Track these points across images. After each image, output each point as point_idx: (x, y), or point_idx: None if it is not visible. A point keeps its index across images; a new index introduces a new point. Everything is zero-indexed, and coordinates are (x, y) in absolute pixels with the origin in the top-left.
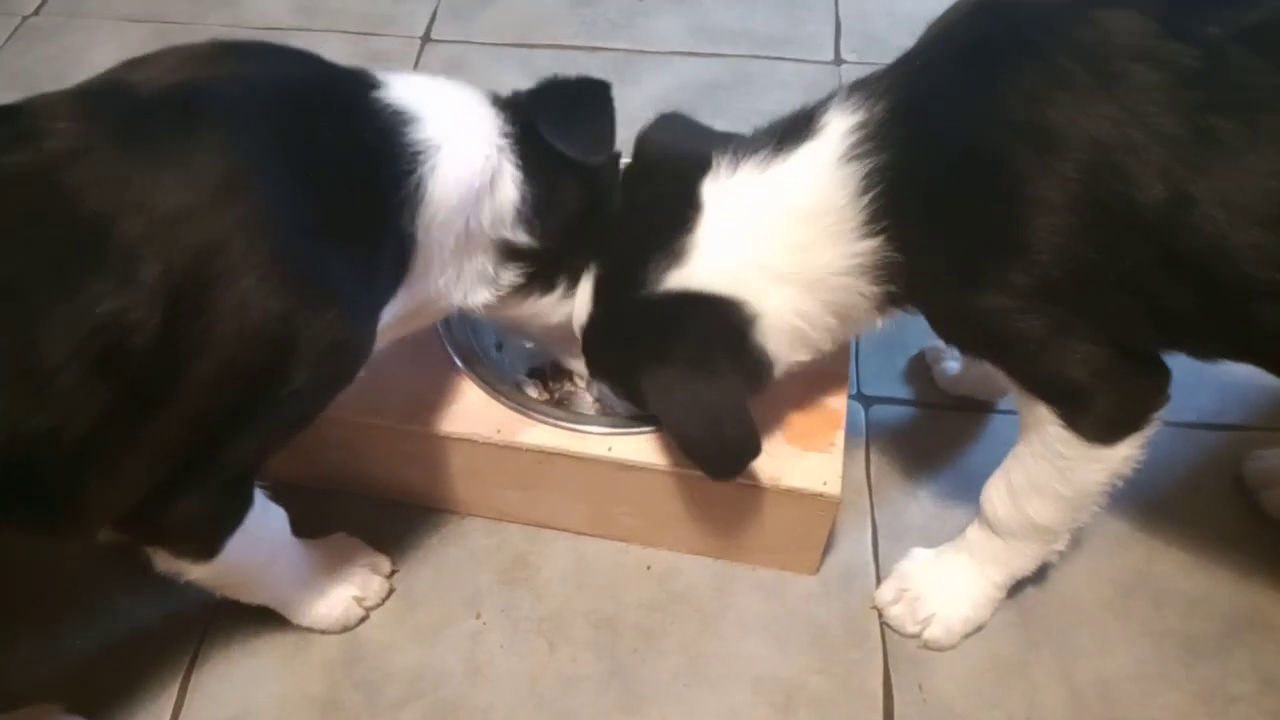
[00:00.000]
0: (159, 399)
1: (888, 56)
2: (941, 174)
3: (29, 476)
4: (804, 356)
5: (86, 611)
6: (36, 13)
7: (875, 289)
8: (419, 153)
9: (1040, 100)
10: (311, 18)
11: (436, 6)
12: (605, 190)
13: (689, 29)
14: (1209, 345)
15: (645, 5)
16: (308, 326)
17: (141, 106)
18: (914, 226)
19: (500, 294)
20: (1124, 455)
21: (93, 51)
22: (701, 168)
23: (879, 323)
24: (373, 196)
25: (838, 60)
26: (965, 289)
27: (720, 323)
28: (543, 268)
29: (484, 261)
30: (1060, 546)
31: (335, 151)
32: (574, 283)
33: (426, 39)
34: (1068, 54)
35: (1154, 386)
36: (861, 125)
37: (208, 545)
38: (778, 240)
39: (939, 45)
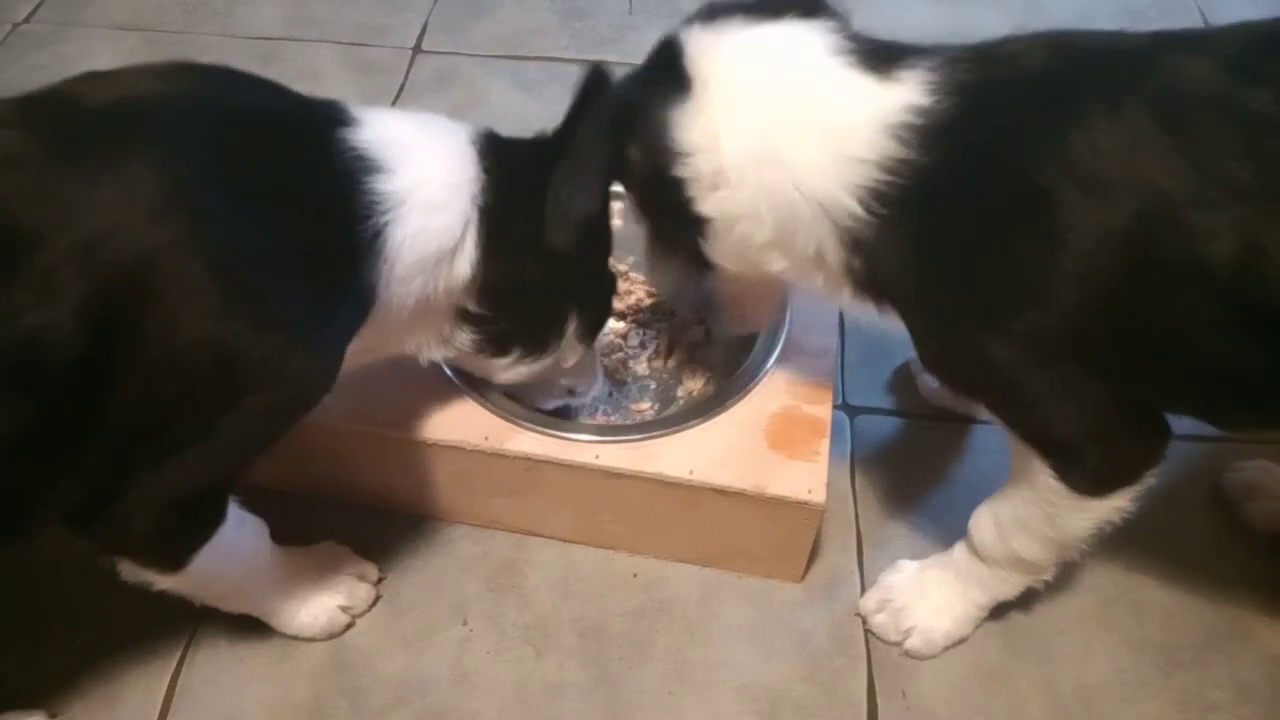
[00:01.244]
0: (84, 416)
1: None
2: (974, 203)
3: None
4: (729, 208)
5: (70, 616)
6: (28, 20)
7: (836, 245)
8: (377, 203)
9: (1101, 148)
10: (304, 28)
11: (428, 18)
12: (576, 269)
13: None
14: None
15: (635, 19)
16: (247, 352)
17: (82, 119)
18: (916, 239)
19: (455, 352)
20: (1115, 506)
21: (84, 60)
22: (810, 11)
23: (825, 288)
24: (326, 235)
25: None
26: (968, 327)
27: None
28: (497, 335)
29: (441, 322)
30: (1047, 577)
31: (285, 182)
32: (528, 352)
33: (418, 50)
34: (1137, 102)
35: (1152, 445)
36: (924, 113)
37: (170, 559)
38: (797, 90)
39: (1006, 71)
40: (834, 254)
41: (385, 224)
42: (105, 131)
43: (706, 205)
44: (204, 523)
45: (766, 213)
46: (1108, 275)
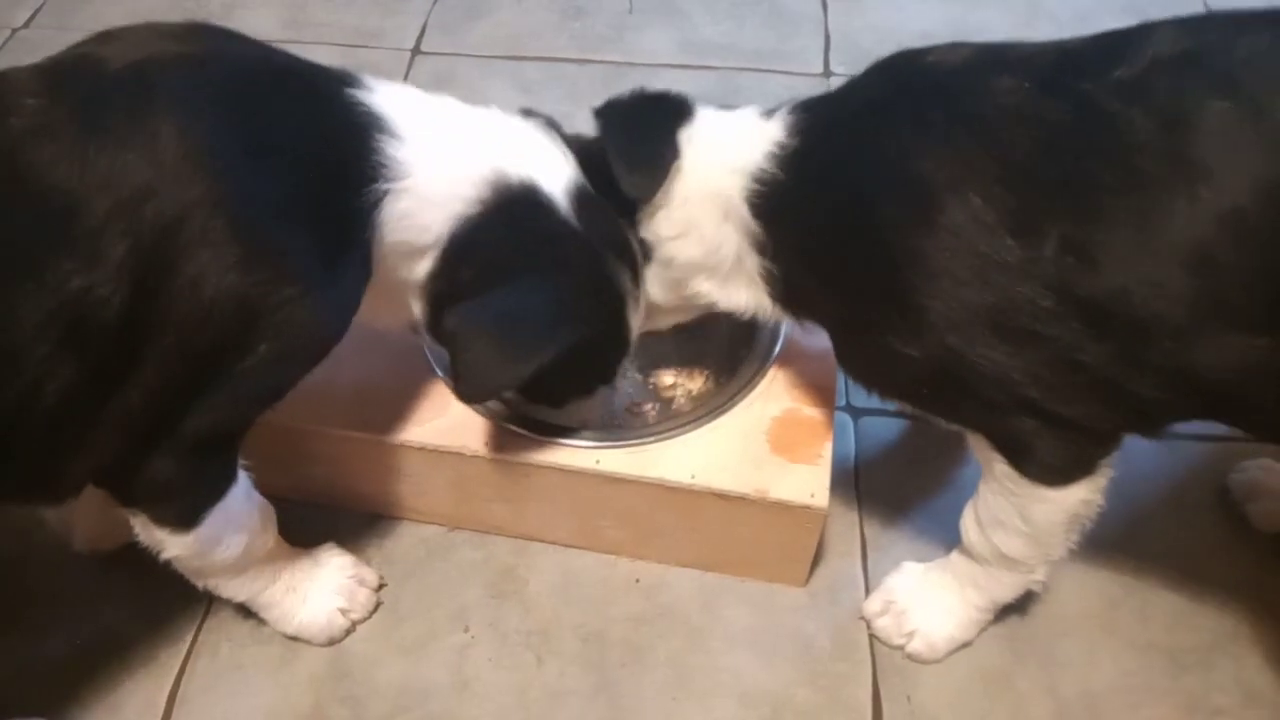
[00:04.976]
0: (123, 369)
1: None
2: (826, 220)
3: (4, 443)
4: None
5: (72, 623)
6: (26, 25)
7: (749, 249)
8: (384, 167)
9: (916, 156)
10: (301, 30)
11: (426, 19)
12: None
13: (678, 42)
14: (1145, 406)
15: (635, 19)
16: (265, 302)
17: (105, 83)
18: (796, 245)
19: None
20: (1080, 498)
21: None
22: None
23: (748, 301)
24: (335, 192)
25: (827, 73)
26: (858, 331)
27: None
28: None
29: (408, 301)
30: (1040, 577)
31: (300, 138)
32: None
33: (416, 51)
34: (950, 115)
35: (1099, 435)
36: (783, 145)
37: (184, 513)
38: (723, 130)
39: (846, 99)
40: (750, 260)
41: (385, 193)
42: (128, 94)
43: (643, 229)
44: (217, 477)
45: (693, 226)
46: (949, 273)
